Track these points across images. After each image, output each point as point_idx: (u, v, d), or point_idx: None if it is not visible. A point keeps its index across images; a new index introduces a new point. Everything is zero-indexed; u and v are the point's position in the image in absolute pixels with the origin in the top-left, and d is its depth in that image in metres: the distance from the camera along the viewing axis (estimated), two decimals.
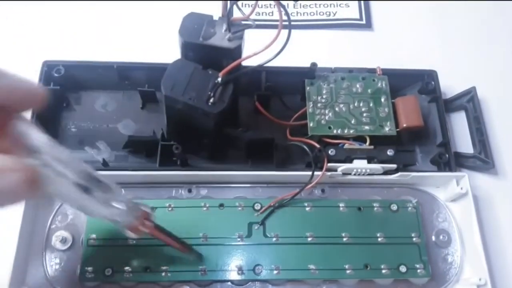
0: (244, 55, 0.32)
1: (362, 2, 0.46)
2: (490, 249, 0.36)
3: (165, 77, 0.30)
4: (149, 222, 0.25)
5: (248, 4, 0.41)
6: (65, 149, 0.19)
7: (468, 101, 0.41)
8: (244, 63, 0.31)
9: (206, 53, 0.31)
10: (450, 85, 0.42)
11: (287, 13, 0.29)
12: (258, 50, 0.30)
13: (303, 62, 0.38)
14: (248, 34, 0.31)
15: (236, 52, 0.31)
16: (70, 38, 0.43)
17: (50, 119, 0.37)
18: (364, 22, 0.45)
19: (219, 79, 0.30)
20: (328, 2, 0.46)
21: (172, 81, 0.30)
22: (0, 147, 0.17)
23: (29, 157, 0.17)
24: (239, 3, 0.30)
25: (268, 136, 0.37)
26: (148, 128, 0.38)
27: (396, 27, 0.46)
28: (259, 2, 0.30)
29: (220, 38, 0.31)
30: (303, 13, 0.46)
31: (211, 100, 0.30)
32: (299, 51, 0.39)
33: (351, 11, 0.46)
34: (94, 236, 0.32)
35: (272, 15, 0.45)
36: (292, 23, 0.44)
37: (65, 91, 0.38)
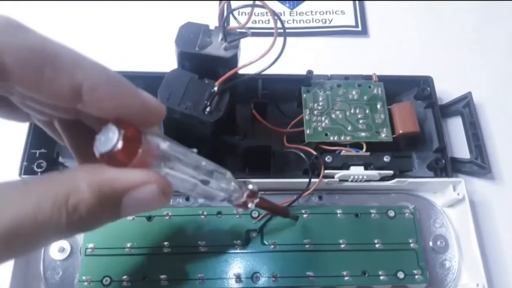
0: (240, 63, 0.32)
1: (358, 9, 0.47)
2: (488, 254, 0.36)
3: (161, 87, 0.30)
4: (256, 199, 0.27)
5: (244, 13, 0.41)
6: (184, 149, 0.20)
7: (464, 107, 0.41)
8: (241, 72, 0.31)
9: (202, 62, 0.31)
10: (447, 90, 0.43)
11: (281, 22, 0.29)
12: (254, 59, 0.30)
13: (300, 69, 0.38)
14: (244, 42, 0.32)
15: (232, 61, 0.31)
16: None
17: None
18: (360, 29, 0.46)
19: (215, 88, 0.30)
20: (324, 10, 0.47)
21: (168, 90, 0.30)
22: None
23: (159, 165, 0.18)
24: (235, 12, 0.30)
25: (265, 143, 0.37)
26: None
27: (392, 33, 0.46)
28: (254, 10, 0.30)
29: (216, 48, 0.31)
30: (299, 20, 0.46)
31: (208, 109, 0.30)
32: (296, 59, 0.39)
33: (347, 18, 0.46)
34: (92, 245, 0.33)
35: (268, 23, 0.45)
36: (288, 30, 0.45)
37: None
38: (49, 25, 0.44)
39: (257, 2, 0.28)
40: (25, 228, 0.15)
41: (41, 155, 0.35)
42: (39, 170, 0.34)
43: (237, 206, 0.26)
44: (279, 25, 0.29)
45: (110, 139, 0.16)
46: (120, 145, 0.16)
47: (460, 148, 0.41)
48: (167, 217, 0.34)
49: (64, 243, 0.34)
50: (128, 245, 0.33)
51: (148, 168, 0.17)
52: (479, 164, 0.38)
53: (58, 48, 0.16)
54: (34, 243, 0.16)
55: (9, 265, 0.31)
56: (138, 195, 0.17)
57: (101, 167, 0.16)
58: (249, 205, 0.26)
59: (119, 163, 0.16)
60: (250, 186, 0.26)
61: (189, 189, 0.21)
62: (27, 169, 0.34)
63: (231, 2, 0.31)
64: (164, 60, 0.34)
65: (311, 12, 0.46)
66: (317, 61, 0.42)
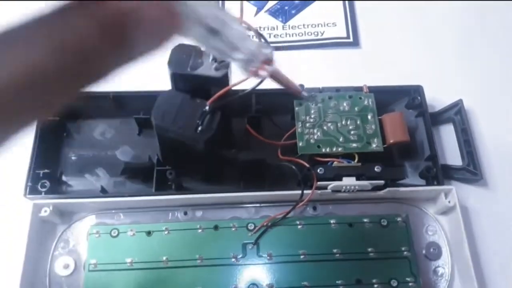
0: (232, 81, 0.33)
1: (349, 20, 0.48)
2: (481, 260, 0.36)
3: (155, 108, 0.32)
4: (269, 67, 0.25)
5: None
6: None
7: (456, 114, 0.42)
8: (236, 87, 0.32)
9: (194, 82, 0.33)
10: (438, 98, 0.43)
11: (266, 41, 0.30)
12: (244, 77, 0.31)
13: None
14: None
15: (223, 80, 0.33)
16: None
17: (52, 149, 0.39)
18: (351, 40, 0.47)
19: (207, 108, 0.32)
20: (316, 22, 0.48)
21: (162, 111, 0.31)
22: None
23: None
24: None
25: (260, 156, 0.39)
26: (145, 153, 0.39)
27: (383, 44, 0.47)
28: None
29: (208, 68, 0.32)
30: (292, 34, 0.47)
31: (200, 128, 0.31)
32: (289, 72, 0.40)
33: (339, 30, 0.47)
34: (94, 261, 0.34)
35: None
36: (281, 44, 0.46)
37: (64, 121, 0.40)
38: None
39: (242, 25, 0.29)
40: None
41: (45, 175, 0.37)
42: (43, 189, 0.36)
43: (249, 71, 0.24)
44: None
45: None
46: None
47: (452, 155, 0.41)
48: (166, 232, 0.35)
49: (68, 260, 0.35)
50: (129, 260, 0.34)
51: None
52: (471, 170, 0.39)
53: None
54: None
55: (16, 281, 0.32)
56: (141, 16, 0.15)
57: None
58: (261, 72, 0.25)
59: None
60: (268, 50, 0.24)
61: (202, 36, 0.20)
62: (32, 189, 0.36)
63: None
64: (160, 79, 0.35)
65: (303, 25, 0.48)
66: (310, 74, 0.43)
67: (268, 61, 0.25)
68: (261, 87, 0.32)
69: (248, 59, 0.23)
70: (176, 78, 0.33)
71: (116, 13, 0.15)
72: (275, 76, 0.28)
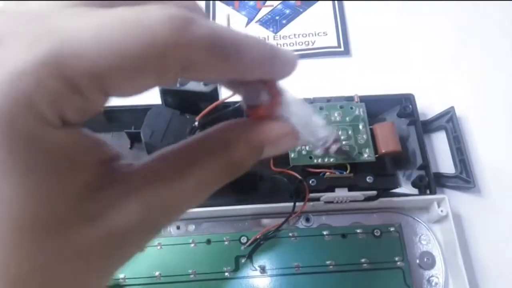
0: (221, 96, 0.33)
1: (340, 29, 0.48)
2: (475, 269, 0.36)
3: (144, 125, 0.32)
4: (338, 143, 0.27)
5: None
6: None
7: (448, 121, 0.42)
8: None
9: (184, 97, 0.33)
10: (430, 105, 0.43)
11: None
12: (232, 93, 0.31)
13: None
14: None
15: (212, 95, 0.33)
16: None
17: None
18: (342, 49, 0.47)
19: (196, 123, 0.32)
20: (307, 32, 0.48)
21: (151, 128, 0.31)
22: None
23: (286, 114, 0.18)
24: None
25: (252, 168, 0.38)
26: None
27: (374, 52, 0.47)
28: None
29: (197, 83, 0.33)
30: (283, 44, 0.47)
31: None
32: (280, 83, 0.40)
33: (329, 39, 0.47)
34: None
35: None
36: None
37: None
38: None
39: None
40: None
41: None
42: None
43: (325, 149, 0.27)
44: None
45: (256, 95, 0.17)
46: (267, 100, 0.17)
47: (445, 163, 0.41)
48: (158, 247, 0.35)
49: None
50: (122, 276, 0.34)
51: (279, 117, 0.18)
52: (464, 178, 0.39)
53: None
54: None
55: None
56: (278, 145, 0.17)
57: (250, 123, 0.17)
58: (332, 149, 0.27)
59: (262, 115, 0.17)
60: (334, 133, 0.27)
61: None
62: None
63: None
64: (150, 92, 0.35)
65: (294, 35, 0.48)
66: (301, 83, 0.43)
67: (337, 140, 0.27)
68: None
69: (324, 144, 0.25)
70: (165, 93, 0.33)
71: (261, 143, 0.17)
72: (339, 151, 0.30)
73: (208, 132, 0.16)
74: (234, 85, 0.18)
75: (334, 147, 0.27)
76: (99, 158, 0.14)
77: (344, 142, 0.38)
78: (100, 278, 0.14)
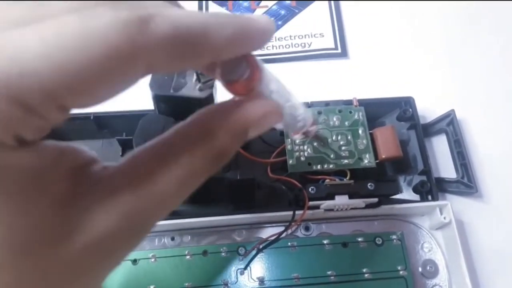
0: (217, 101, 0.32)
1: (337, 31, 0.47)
2: (478, 275, 0.36)
3: (136, 134, 0.30)
4: (315, 126, 0.26)
5: None
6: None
7: (448, 124, 0.41)
8: None
9: (178, 104, 0.31)
10: (430, 108, 0.42)
11: None
12: (228, 99, 0.30)
13: None
14: None
15: (208, 101, 0.31)
16: None
17: None
18: (339, 51, 0.46)
19: None
20: (303, 33, 0.47)
21: (143, 137, 0.30)
22: None
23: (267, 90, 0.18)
24: None
25: (249, 175, 0.37)
26: None
27: (372, 54, 0.46)
28: None
29: (191, 88, 0.31)
30: (279, 46, 0.46)
31: None
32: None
33: (326, 41, 0.46)
34: None
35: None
36: (268, 57, 0.45)
37: None
38: None
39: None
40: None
41: None
42: None
43: (303, 133, 0.25)
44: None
45: (234, 69, 0.16)
46: (246, 74, 0.16)
47: (446, 167, 0.40)
48: (152, 259, 0.34)
49: None
50: None
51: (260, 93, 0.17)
52: (466, 183, 0.38)
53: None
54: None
55: None
56: (262, 125, 0.16)
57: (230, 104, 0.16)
58: (310, 133, 0.25)
59: (242, 91, 0.17)
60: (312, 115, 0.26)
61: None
62: None
63: None
64: (141, 98, 0.33)
65: (290, 36, 0.46)
66: (299, 87, 0.42)
67: (315, 123, 0.25)
68: None
69: (302, 125, 0.24)
70: (158, 100, 0.31)
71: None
72: (315, 135, 0.29)
73: (187, 122, 0.16)
74: (211, 68, 0.17)
75: (312, 130, 0.26)
76: (69, 166, 0.13)
77: (343, 148, 0.37)
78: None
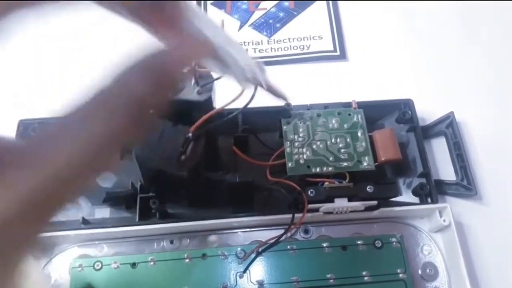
0: (216, 105, 0.32)
1: (335, 33, 0.47)
2: (478, 278, 0.35)
3: None
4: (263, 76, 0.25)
5: None
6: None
7: (447, 127, 0.41)
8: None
9: (176, 107, 0.31)
10: (429, 110, 0.42)
11: None
12: (227, 102, 0.30)
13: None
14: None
15: (206, 104, 0.31)
16: (44, 96, 0.43)
17: None
18: (338, 53, 0.46)
19: (190, 135, 0.30)
20: (302, 36, 0.47)
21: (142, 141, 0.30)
22: None
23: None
24: None
25: (248, 178, 0.37)
26: (129, 177, 0.38)
27: (371, 56, 0.46)
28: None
29: (190, 92, 0.31)
30: (277, 48, 0.46)
31: (183, 156, 0.30)
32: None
33: (325, 43, 0.46)
34: None
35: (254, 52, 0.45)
36: (267, 59, 0.45)
37: None
38: (24, 76, 0.44)
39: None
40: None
41: None
42: None
43: (256, 82, 0.25)
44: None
45: None
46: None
47: (445, 169, 0.40)
48: (151, 263, 0.34)
49: None
50: None
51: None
52: (465, 186, 0.38)
53: None
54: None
55: None
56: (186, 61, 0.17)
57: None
58: (263, 82, 0.25)
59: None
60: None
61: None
62: None
63: None
64: None
65: (289, 39, 0.46)
66: (297, 89, 0.42)
67: (263, 69, 0.25)
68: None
69: (252, 72, 0.24)
70: None
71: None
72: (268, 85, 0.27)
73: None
74: None
75: (263, 80, 0.25)
76: None
77: (342, 150, 0.37)
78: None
